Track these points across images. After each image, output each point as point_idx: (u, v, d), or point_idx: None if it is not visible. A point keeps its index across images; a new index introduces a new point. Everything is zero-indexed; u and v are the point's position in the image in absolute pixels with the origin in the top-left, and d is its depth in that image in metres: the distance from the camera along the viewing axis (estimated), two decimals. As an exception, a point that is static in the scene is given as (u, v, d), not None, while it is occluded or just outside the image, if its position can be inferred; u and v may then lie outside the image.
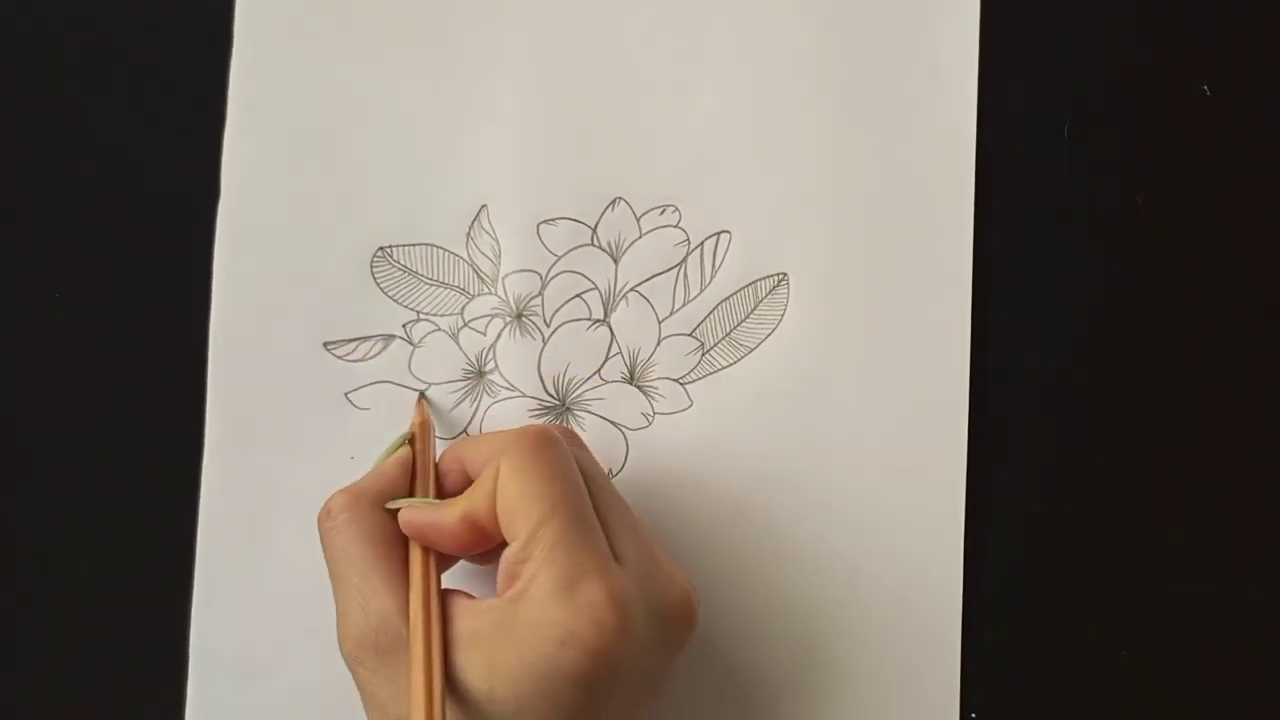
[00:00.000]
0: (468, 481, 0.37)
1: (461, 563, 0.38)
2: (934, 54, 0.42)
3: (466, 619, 0.34)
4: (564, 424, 0.41)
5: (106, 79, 0.43)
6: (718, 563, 0.41)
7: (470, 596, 0.35)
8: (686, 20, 0.42)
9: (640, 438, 0.41)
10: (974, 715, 0.41)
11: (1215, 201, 0.42)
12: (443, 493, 0.37)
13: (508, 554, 0.34)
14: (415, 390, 0.41)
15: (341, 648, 0.35)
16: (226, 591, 0.41)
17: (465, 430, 0.41)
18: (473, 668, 0.33)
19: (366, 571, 0.35)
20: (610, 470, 0.41)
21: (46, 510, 0.42)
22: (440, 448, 0.40)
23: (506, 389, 0.42)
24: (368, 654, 0.34)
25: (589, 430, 0.41)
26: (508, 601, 0.33)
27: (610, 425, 0.41)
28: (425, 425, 0.40)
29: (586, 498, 0.35)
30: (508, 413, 0.41)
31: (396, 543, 0.36)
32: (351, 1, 0.43)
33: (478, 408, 0.42)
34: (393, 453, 0.38)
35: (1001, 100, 0.42)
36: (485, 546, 0.36)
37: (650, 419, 0.41)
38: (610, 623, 0.32)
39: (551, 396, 0.42)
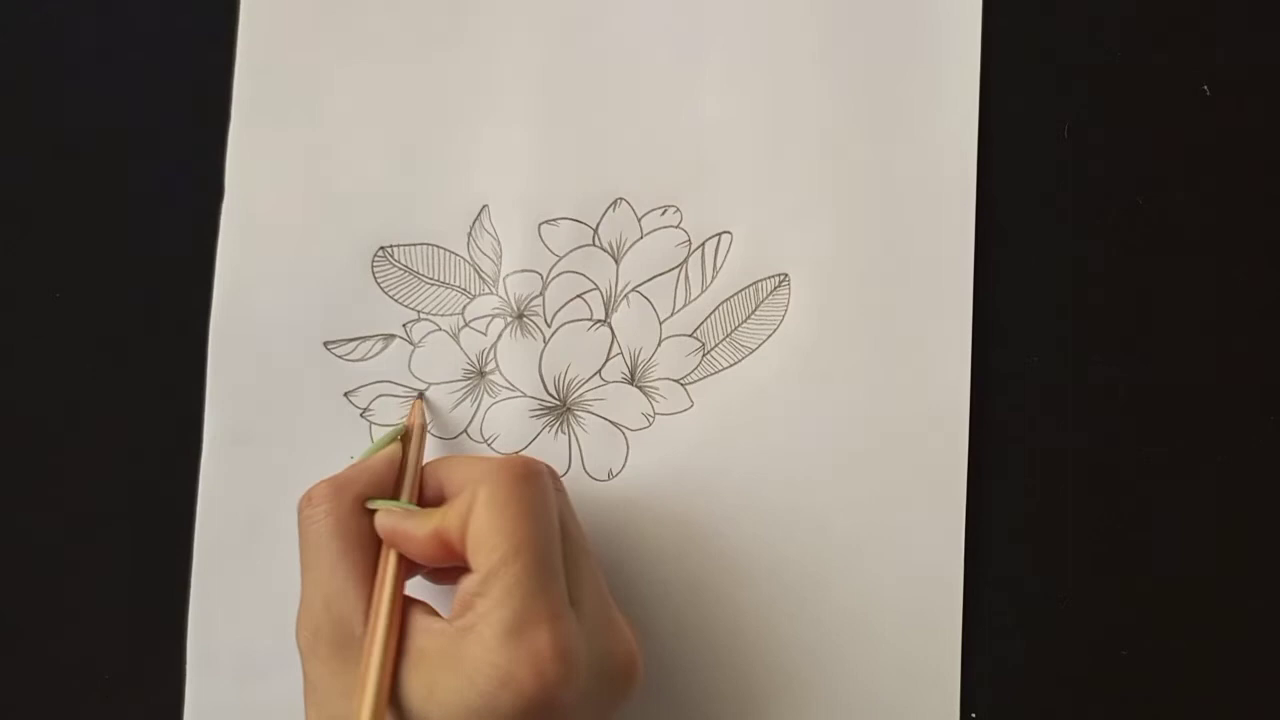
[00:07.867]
0: (443, 498, 0.37)
1: None
2: (936, 55, 0.42)
3: (419, 635, 0.34)
4: (565, 425, 0.41)
5: (110, 78, 0.43)
6: (716, 562, 0.41)
7: (428, 610, 0.35)
8: (689, 21, 0.42)
9: (641, 438, 0.41)
10: (974, 715, 0.41)
11: (1215, 201, 0.42)
12: (422, 501, 0.37)
13: (466, 583, 0.34)
14: (416, 389, 0.41)
15: (298, 634, 0.35)
16: (225, 591, 0.41)
17: (465, 431, 0.41)
18: (414, 688, 0.33)
19: (334, 566, 0.35)
20: (610, 471, 0.41)
21: (46, 510, 0.42)
22: (434, 447, 0.40)
23: (507, 389, 0.41)
24: (322, 645, 0.34)
25: (590, 431, 0.41)
26: (457, 630, 0.33)
27: (611, 425, 0.41)
28: (421, 428, 0.39)
29: (557, 541, 0.34)
30: (508, 413, 0.41)
31: (369, 541, 0.36)
32: (354, 3, 0.43)
33: (478, 408, 0.41)
34: (383, 446, 0.38)
35: (1002, 100, 0.42)
36: (450, 563, 0.35)
37: (651, 419, 0.41)
38: (552, 672, 0.32)
39: (552, 397, 0.41)
